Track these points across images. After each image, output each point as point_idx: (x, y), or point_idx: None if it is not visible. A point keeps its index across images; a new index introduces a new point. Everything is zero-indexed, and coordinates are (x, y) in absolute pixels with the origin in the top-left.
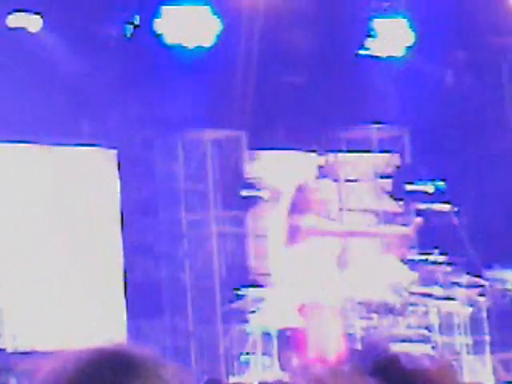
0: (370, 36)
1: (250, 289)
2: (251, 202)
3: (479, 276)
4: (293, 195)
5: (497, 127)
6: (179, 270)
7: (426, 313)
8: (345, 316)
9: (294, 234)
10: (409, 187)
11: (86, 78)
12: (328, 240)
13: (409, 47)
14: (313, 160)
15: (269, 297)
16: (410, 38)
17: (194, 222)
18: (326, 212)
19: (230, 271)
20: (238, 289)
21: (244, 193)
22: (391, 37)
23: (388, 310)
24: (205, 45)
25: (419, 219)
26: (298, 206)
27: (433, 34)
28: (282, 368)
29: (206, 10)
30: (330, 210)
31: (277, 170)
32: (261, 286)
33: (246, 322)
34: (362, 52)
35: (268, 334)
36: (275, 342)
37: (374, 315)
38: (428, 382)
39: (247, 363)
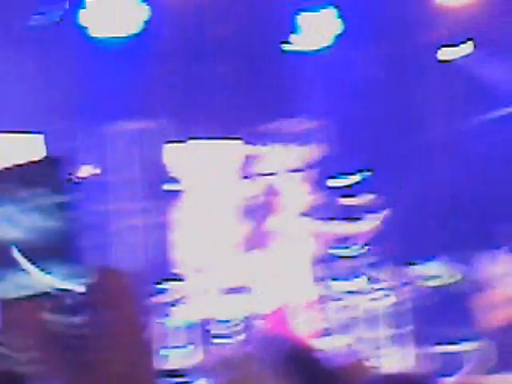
0: (294, 30)
1: (173, 282)
2: (176, 193)
3: (403, 268)
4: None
5: (420, 121)
6: (104, 261)
7: (349, 305)
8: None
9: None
10: (333, 179)
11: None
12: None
13: (335, 37)
14: (239, 149)
15: (190, 289)
16: (337, 28)
17: (118, 213)
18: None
19: (151, 264)
20: (160, 282)
21: (168, 184)
22: (317, 29)
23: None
24: (130, 32)
25: (384, 213)
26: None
27: (358, 28)
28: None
29: None
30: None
31: (193, 160)
32: (182, 279)
33: (168, 315)
34: (287, 46)
35: (189, 327)
36: (196, 335)
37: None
38: (339, 376)
39: (168, 357)
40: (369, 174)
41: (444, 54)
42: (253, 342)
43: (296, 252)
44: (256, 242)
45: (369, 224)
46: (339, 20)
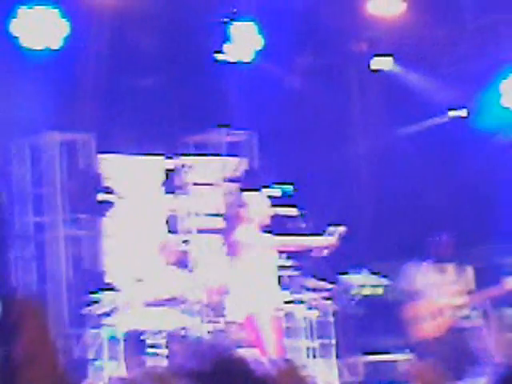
0: (225, 41)
1: (105, 292)
2: (103, 205)
3: (326, 280)
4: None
5: (343, 132)
6: (27, 273)
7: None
8: (192, 318)
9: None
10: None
11: None
12: None
13: (258, 52)
14: (161, 164)
15: (120, 300)
16: (259, 42)
17: (41, 224)
18: None
19: (81, 275)
20: (92, 293)
21: (95, 196)
22: (241, 41)
23: None
24: (53, 47)
25: (342, 228)
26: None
27: (281, 39)
28: (128, 371)
29: (54, 12)
30: None
31: (124, 173)
32: (114, 290)
33: (101, 326)
34: (219, 57)
35: (116, 338)
36: (122, 346)
37: (222, 319)
38: None
39: (101, 368)
40: (291, 186)
41: (374, 63)
42: (180, 353)
43: (261, 262)
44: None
45: (328, 238)
46: (265, 33)
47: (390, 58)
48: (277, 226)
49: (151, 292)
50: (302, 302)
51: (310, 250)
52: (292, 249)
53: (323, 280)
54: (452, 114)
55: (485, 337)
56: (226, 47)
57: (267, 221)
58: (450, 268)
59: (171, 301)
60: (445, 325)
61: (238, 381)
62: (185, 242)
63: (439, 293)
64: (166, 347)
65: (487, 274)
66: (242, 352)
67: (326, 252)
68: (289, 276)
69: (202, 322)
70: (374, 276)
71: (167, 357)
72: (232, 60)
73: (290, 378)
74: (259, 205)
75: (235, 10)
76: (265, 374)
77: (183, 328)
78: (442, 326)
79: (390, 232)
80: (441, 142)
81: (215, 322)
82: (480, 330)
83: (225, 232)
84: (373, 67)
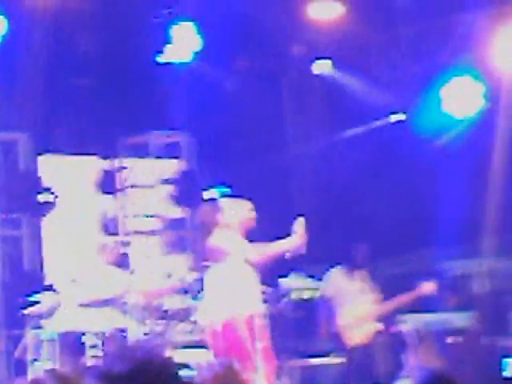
0: (166, 42)
1: (44, 293)
2: (43, 206)
3: (263, 283)
4: None
5: (282, 135)
6: None
7: None
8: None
9: None
10: (191, 193)
11: None
12: None
13: (196, 53)
14: (99, 164)
15: (58, 301)
16: (198, 43)
17: None
18: None
19: (21, 276)
20: (32, 293)
21: (35, 196)
22: (181, 42)
23: (166, 314)
24: None
25: (301, 219)
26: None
27: (220, 41)
28: None
29: None
30: None
31: (62, 173)
32: (53, 291)
33: (40, 327)
34: (160, 57)
35: (53, 340)
36: (57, 347)
37: (152, 320)
38: None
39: (40, 368)
40: (229, 189)
41: (315, 67)
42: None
43: (238, 268)
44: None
45: (298, 234)
46: (204, 34)
47: (329, 62)
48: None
49: (88, 293)
50: None
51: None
52: (270, 255)
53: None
54: (392, 117)
55: (409, 342)
56: (166, 48)
57: (249, 225)
58: (364, 275)
59: (108, 302)
60: (370, 331)
61: (157, 380)
62: (124, 243)
63: (354, 299)
64: (98, 348)
65: (423, 278)
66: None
67: (302, 249)
68: None
69: (139, 324)
70: (312, 279)
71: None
72: (172, 61)
73: (225, 381)
74: (235, 210)
75: (170, 10)
76: (192, 378)
77: (121, 329)
78: (367, 332)
79: (328, 235)
80: (380, 146)
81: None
82: (403, 334)
83: (201, 237)
84: (314, 71)
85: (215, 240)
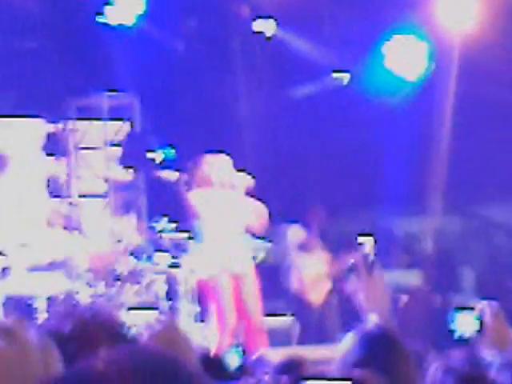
0: (107, 3)
1: None
2: None
3: None
4: None
5: (226, 96)
6: None
7: (154, 280)
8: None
9: None
10: (138, 155)
11: None
12: None
13: (140, 15)
14: (42, 127)
15: (3, 265)
16: (141, 6)
17: None
18: None
19: None
20: None
21: None
22: (123, 4)
23: (116, 277)
24: None
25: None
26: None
27: (164, 2)
28: None
29: None
30: None
31: (5, 135)
32: (2, 255)
33: None
34: (99, 19)
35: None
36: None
37: (102, 282)
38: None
39: None
40: (173, 150)
41: (256, 26)
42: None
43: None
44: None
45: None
46: None
47: (273, 21)
48: (160, 191)
49: (37, 256)
50: (180, 266)
51: None
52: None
53: None
54: (335, 76)
55: (364, 295)
56: (107, 9)
57: (230, 184)
58: (316, 237)
59: (58, 265)
60: (324, 290)
61: (99, 339)
62: (72, 206)
63: (310, 259)
64: (47, 311)
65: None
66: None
67: None
68: (170, 239)
69: (90, 287)
70: (259, 240)
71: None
72: (114, 23)
73: (165, 339)
74: (218, 166)
75: None
76: (136, 335)
77: (71, 293)
78: (321, 291)
79: (275, 196)
80: (325, 106)
81: (94, 286)
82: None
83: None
84: (255, 29)
85: (192, 197)
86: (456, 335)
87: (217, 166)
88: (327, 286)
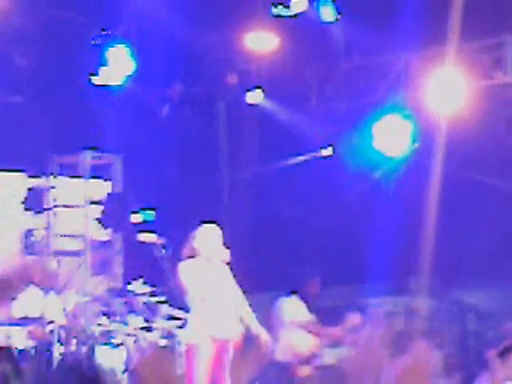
0: (101, 64)
1: None
2: None
3: (181, 308)
4: None
5: (210, 162)
6: None
7: (123, 342)
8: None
9: None
10: (118, 215)
11: None
12: None
13: (129, 76)
14: (25, 182)
15: None
16: (130, 67)
17: None
18: None
19: None
20: None
21: None
22: (113, 65)
23: (87, 336)
24: None
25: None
26: None
27: (154, 65)
28: None
29: None
30: None
31: None
32: None
33: None
34: (94, 79)
35: None
36: None
37: (74, 340)
38: None
39: None
40: (153, 212)
41: (248, 97)
42: None
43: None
44: None
45: None
46: (138, 58)
47: (261, 92)
48: (137, 252)
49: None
50: (152, 329)
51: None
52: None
53: (180, 309)
54: (322, 152)
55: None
56: (101, 70)
57: (221, 256)
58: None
59: (32, 320)
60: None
61: None
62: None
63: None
64: None
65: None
66: None
67: None
68: (144, 303)
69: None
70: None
71: None
72: (105, 83)
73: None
74: (207, 237)
75: (108, 33)
76: None
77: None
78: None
79: (258, 264)
80: (309, 180)
81: (67, 344)
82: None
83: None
84: (247, 100)
85: (180, 269)
86: None
87: (205, 237)
88: (316, 360)
